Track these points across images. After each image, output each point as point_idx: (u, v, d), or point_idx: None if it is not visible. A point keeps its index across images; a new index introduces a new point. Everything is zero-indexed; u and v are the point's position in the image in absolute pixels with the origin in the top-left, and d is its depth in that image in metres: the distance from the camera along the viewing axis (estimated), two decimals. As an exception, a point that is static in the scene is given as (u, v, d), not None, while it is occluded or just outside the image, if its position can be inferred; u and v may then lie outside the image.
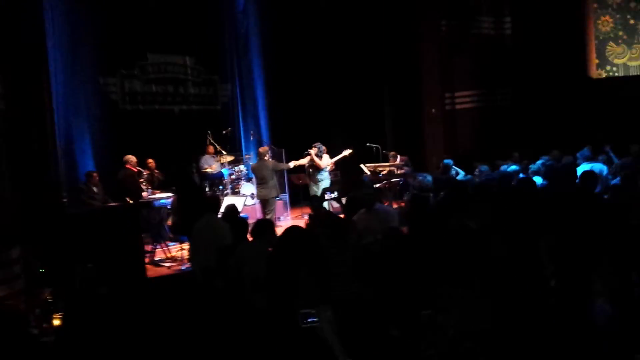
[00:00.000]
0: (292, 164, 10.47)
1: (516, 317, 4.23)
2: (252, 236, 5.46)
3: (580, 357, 4.02)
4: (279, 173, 11.12)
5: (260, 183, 9.87)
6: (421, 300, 4.42)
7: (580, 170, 7.10)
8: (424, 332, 4.24)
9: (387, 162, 11.80)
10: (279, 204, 11.08)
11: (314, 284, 4.76)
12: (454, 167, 9.58)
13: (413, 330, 4.33)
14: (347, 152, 10.51)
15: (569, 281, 4.55)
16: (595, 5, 13.98)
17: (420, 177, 7.42)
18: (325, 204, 9.61)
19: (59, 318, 4.96)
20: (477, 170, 8.77)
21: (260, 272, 4.90)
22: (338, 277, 4.93)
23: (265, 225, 5.54)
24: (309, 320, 3.23)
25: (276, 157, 11.61)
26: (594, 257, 4.43)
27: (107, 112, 10.87)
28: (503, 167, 8.95)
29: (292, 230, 5.14)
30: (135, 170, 9.38)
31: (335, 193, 9.38)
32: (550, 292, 4.64)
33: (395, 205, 10.26)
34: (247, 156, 12.01)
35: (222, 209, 6.92)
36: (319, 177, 10.18)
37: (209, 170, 10.99)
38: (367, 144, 11.77)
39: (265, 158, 9.92)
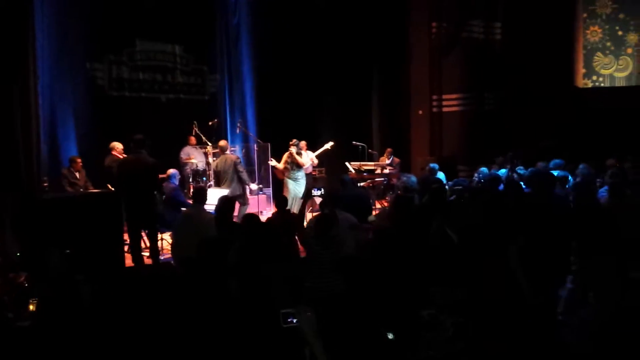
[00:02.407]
0: (273, 163, 10.29)
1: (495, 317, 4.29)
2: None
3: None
4: (264, 167, 11.08)
5: (227, 179, 9.11)
6: (417, 301, 4.45)
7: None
8: (422, 332, 4.26)
9: (375, 160, 11.91)
10: (262, 198, 11.08)
11: (284, 282, 4.81)
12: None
13: (409, 332, 4.35)
14: (328, 145, 10.42)
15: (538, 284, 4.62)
16: (585, 15, 14.11)
17: (404, 178, 7.42)
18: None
19: (35, 303, 4.91)
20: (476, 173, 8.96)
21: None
22: (322, 274, 4.96)
23: (248, 218, 5.62)
24: (289, 320, 3.23)
25: (261, 150, 11.59)
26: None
27: (92, 97, 10.76)
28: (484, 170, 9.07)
29: (249, 218, 5.27)
30: (121, 157, 9.30)
31: (322, 190, 9.33)
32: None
33: (378, 205, 10.31)
34: (231, 148, 11.97)
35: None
36: (299, 174, 9.87)
37: (192, 160, 10.94)
38: (353, 143, 11.79)
39: (227, 152, 9.30)
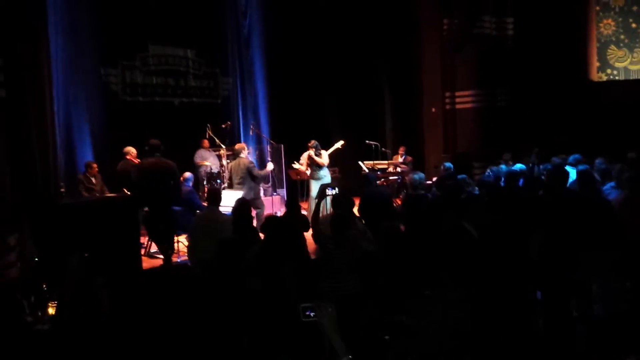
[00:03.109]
0: (296, 166, 10.30)
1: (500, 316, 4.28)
2: (261, 231, 5.57)
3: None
4: (277, 168, 11.10)
5: (239, 183, 9.06)
6: (401, 303, 4.47)
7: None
8: (401, 337, 4.28)
9: (389, 159, 11.90)
10: (276, 199, 11.11)
11: (301, 277, 4.83)
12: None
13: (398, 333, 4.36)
14: (339, 144, 10.40)
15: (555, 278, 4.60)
16: (597, 8, 13.97)
17: (411, 175, 7.43)
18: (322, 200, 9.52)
19: (54, 307, 4.98)
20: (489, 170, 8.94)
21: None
22: (334, 274, 4.97)
23: (269, 220, 5.64)
24: (307, 313, 3.27)
25: (275, 151, 11.62)
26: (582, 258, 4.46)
27: (107, 102, 10.88)
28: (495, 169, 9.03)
29: (272, 219, 5.28)
30: (136, 162, 9.38)
31: (337, 189, 9.32)
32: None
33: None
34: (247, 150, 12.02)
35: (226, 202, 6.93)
36: (322, 173, 9.92)
37: (207, 163, 11.02)
38: (366, 142, 11.79)
39: (242, 156, 9.19)
